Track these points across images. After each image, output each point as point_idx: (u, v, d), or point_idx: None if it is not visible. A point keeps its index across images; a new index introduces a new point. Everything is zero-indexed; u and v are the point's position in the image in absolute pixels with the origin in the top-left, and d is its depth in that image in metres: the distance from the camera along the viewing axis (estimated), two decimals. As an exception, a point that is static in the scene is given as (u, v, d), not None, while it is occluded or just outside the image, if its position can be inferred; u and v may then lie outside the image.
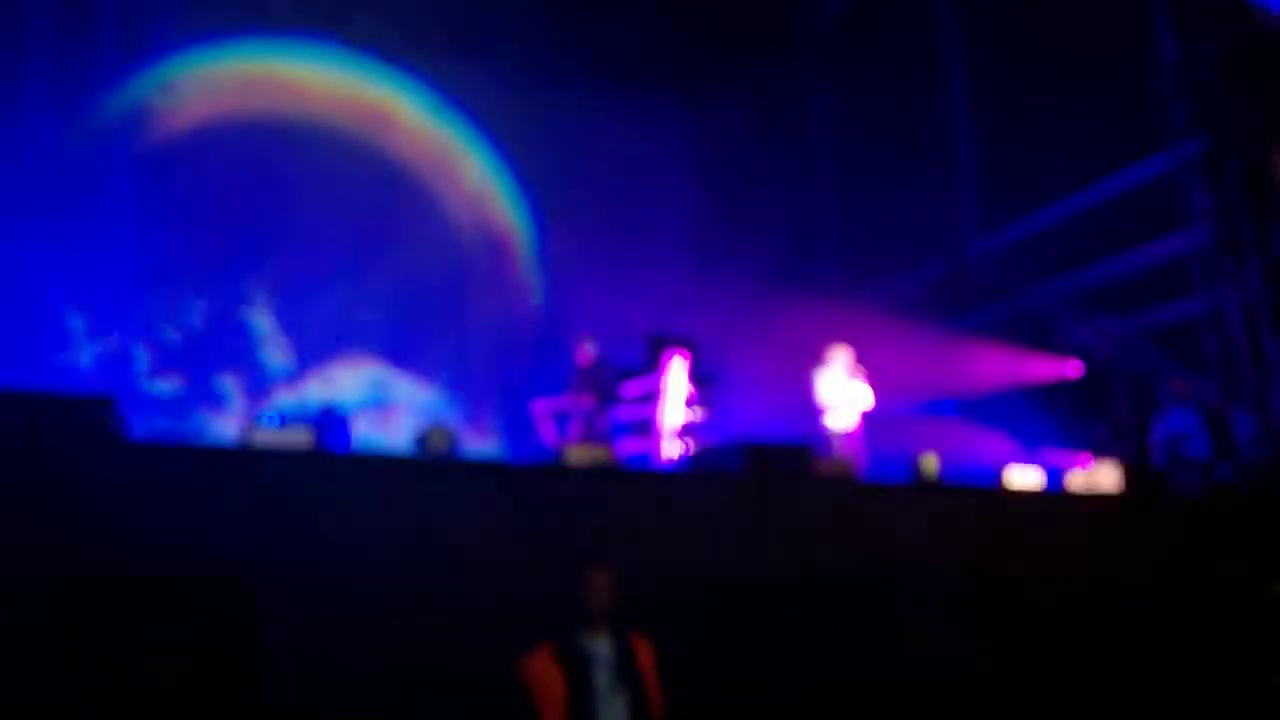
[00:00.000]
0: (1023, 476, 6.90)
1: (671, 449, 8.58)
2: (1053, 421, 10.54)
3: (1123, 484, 7.12)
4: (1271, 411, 8.69)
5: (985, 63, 11.58)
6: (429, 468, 5.18)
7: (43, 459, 4.17)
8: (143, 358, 10.22)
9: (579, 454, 5.52)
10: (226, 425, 9.61)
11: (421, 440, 5.33)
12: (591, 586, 3.61)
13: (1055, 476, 7.28)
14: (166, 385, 10.22)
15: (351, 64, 11.82)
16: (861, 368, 8.60)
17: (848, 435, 8.42)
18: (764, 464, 5.74)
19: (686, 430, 8.80)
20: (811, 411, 8.48)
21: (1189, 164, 9.35)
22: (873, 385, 8.70)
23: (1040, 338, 10.80)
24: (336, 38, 11.64)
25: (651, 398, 8.80)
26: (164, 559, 4.11)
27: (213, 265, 10.70)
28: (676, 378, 8.71)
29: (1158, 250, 9.69)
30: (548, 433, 8.79)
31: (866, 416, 8.64)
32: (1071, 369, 10.73)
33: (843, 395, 8.47)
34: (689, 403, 8.92)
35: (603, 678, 3.54)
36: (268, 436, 4.94)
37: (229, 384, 10.45)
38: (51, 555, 4.00)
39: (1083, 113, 9.98)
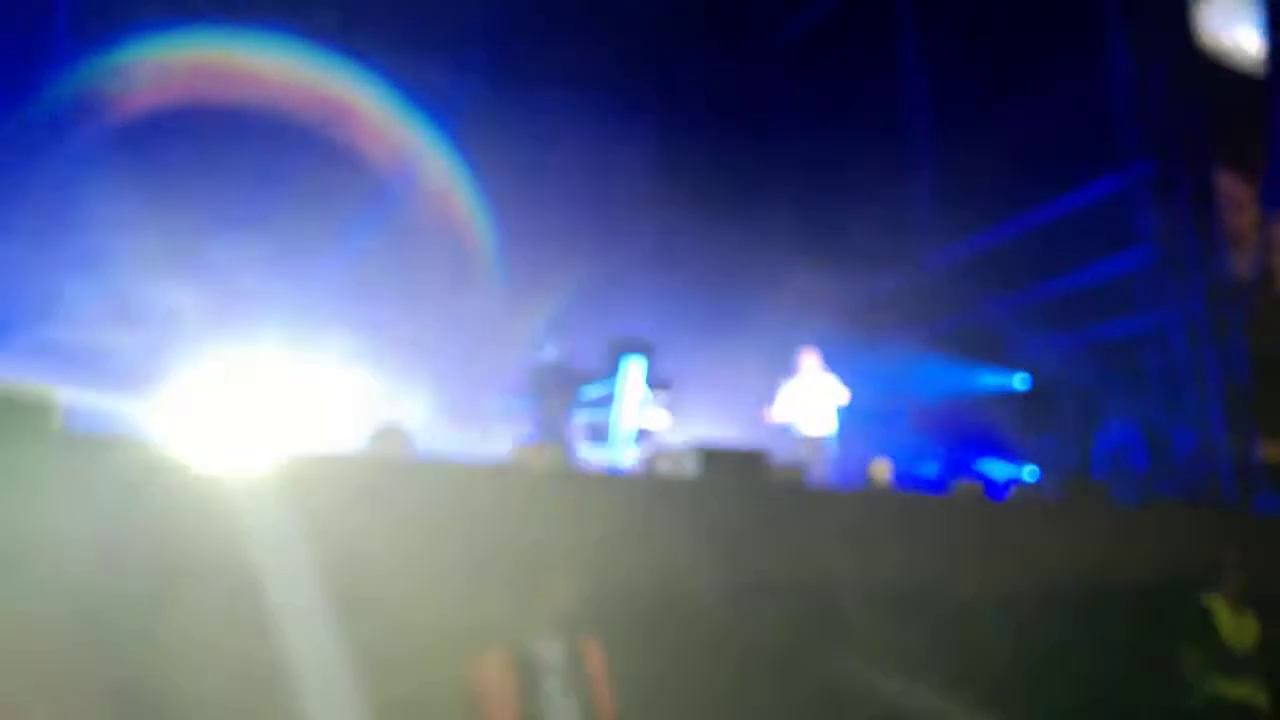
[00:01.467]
0: (970, 484, 7.04)
1: (626, 453, 8.61)
2: (1001, 432, 10.73)
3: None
4: (1210, 426, 8.92)
5: (944, 80, 11.77)
6: (382, 468, 5.14)
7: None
8: (85, 347, 10.01)
9: (534, 456, 5.52)
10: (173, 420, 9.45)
11: (375, 440, 5.30)
12: (553, 592, 3.63)
13: (1002, 486, 7.44)
14: (109, 378, 10.02)
15: (313, 56, 11.70)
16: (829, 369, 8.69)
17: (825, 437, 8.49)
18: (718, 468, 5.78)
19: (642, 434, 8.84)
20: (779, 418, 8.55)
21: (1138, 184, 9.57)
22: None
23: (991, 350, 10.98)
24: (298, 29, 11.52)
25: (608, 401, 8.82)
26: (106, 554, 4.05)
27: (160, 255, 10.52)
28: (634, 382, 8.74)
29: (1106, 268, 9.89)
30: (503, 434, 8.79)
31: (842, 412, 8.71)
32: (1020, 382, 10.93)
33: (816, 398, 8.55)
34: (645, 406, 8.96)
35: (554, 684, 3.53)
36: (215, 430, 4.88)
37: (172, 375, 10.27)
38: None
39: (1037, 132, 10.17)
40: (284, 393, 9.91)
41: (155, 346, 9.42)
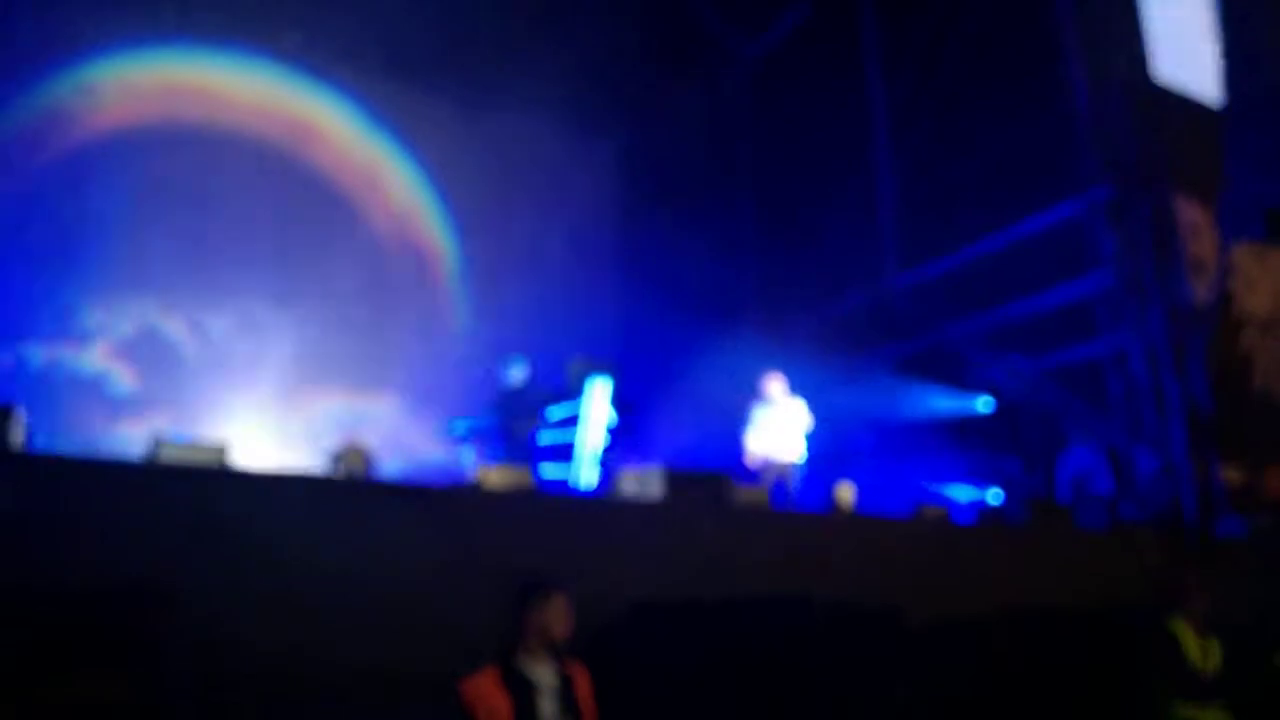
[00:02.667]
0: (934, 508, 7.05)
1: (590, 474, 8.55)
2: (965, 455, 10.78)
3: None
4: (1172, 450, 9.01)
5: (907, 104, 11.89)
6: (343, 487, 5.07)
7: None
8: (51, 366, 9.83)
9: (497, 476, 5.46)
10: (136, 439, 9.30)
11: (337, 459, 5.23)
12: (550, 611, 3.56)
13: (966, 509, 7.45)
14: (74, 396, 9.84)
15: (279, 76, 11.64)
16: (796, 393, 8.69)
17: (792, 463, 8.48)
18: (681, 491, 5.75)
19: (606, 455, 8.78)
20: (756, 448, 8.54)
21: (1096, 209, 9.69)
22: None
23: (954, 373, 11.04)
24: (265, 49, 11.46)
25: (573, 422, 8.76)
26: (69, 576, 3.95)
27: (125, 274, 10.38)
28: (598, 403, 8.69)
29: (1067, 292, 9.99)
30: (466, 453, 8.70)
31: (810, 438, 8.72)
32: (983, 405, 10.99)
33: (783, 423, 8.55)
34: (609, 428, 8.91)
35: (548, 705, 3.47)
36: (175, 452, 4.79)
37: (139, 395, 10.11)
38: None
39: (999, 156, 10.30)
40: (248, 412, 9.80)
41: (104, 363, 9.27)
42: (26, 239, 9.89)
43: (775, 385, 8.68)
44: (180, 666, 4.05)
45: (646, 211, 13.32)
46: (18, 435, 4.35)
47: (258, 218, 10.94)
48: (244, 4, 11.07)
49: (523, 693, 3.45)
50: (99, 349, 10.04)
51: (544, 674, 3.53)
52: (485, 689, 3.43)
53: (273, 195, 11.17)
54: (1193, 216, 9.65)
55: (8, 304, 9.69)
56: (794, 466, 8.47)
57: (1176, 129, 9.96)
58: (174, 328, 10.47)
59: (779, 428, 8.57)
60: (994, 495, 10.20)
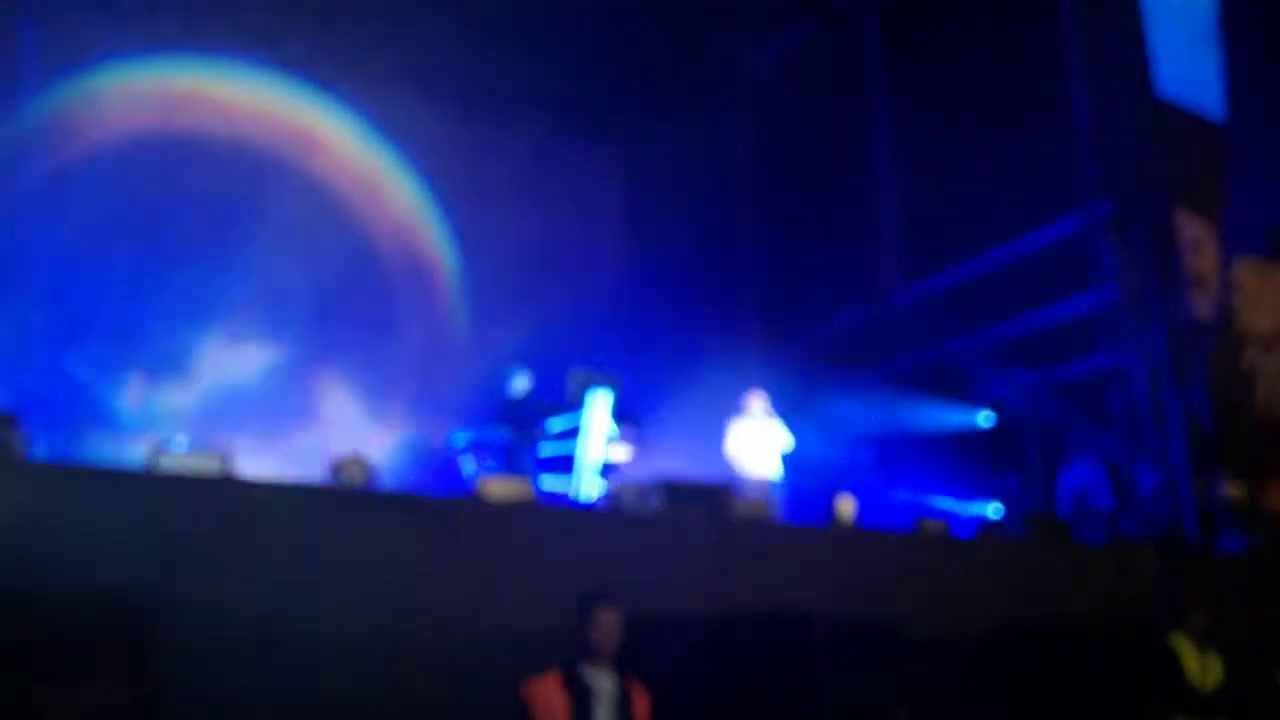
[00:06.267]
0: (934, 522, 7.04)
1: (591, 486, 8.54)
2: (965, 470, 10.76)
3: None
4: (1172, 466, 8.99)
5: (911, 117, 11.91)
6: (343, 498, 5.08)
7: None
8: (51, 374, 9.83)
9: (498, 488, 5.47)
10: (134, 449, 9.29)
11: (337, 470, 5.24)
12: (599, 624, 3.72)
13: (966, 524, 7.44)
14: (74, 405, 9.83)
15: (281, 85, 11.67)
16: (776, 412, 8.75)
17: (769, 480, 8.51)
18: (682, 504, 5.76)
19: (607, 468, 8.78)
20: (728, 457, 8.59)
21: (1098, 225, 9.69)
22: (790, 430, 8.83)
23: (955, 388, 11.03)
24: (267, 58, 11.49)
25: (573, 434, 8.76)
26: (70, 585, 3.95)
27: (125, 283, 10.40)
28: (599, 415, 8.69)
29: (1068, 307, 9.98)
30: (467, 465, 8.69)
31: (787, 459, 8.76)
32: (984, 419, 10.98)
33: (760, 441, 8.59)
34: (610, 440, 8.91)
35: (604, 713, 3.65)
36: (175, 462, 4.80)
37: (135, 404, 10.09)
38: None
39: (1001, 171, 10.30)
40: (249, 421, 9.79)
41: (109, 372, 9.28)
42: (21, 244, 9.91)
43: (757, 402, 8.76)
44: (178, 674, 4.05)
45: (648, 223, 13.34)
46: (18, 443, 4.36)
47: (258, 227, 10.96)
48: (246, 13, 11.11)
49: (582, 699, 3.63)
50: (100, 358, 10.03)
51: (604, 684, 3.71)
52: (547, 691, 3.62)
53: (274, 204, 11.18)
54: (1195, 232, 9.65)
55: (10, 314, 9.70)
56: (770, 484, 8.51)
57: (1179, 144, 9.97)
58: (175, 337, 10.46)
59: (756, 444, 8.61)
60: (994, 510, 10.18)
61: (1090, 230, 9.76)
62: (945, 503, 10.27)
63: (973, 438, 10.96)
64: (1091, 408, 9.85)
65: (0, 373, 9.27)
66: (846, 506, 6.79)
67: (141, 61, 10.90)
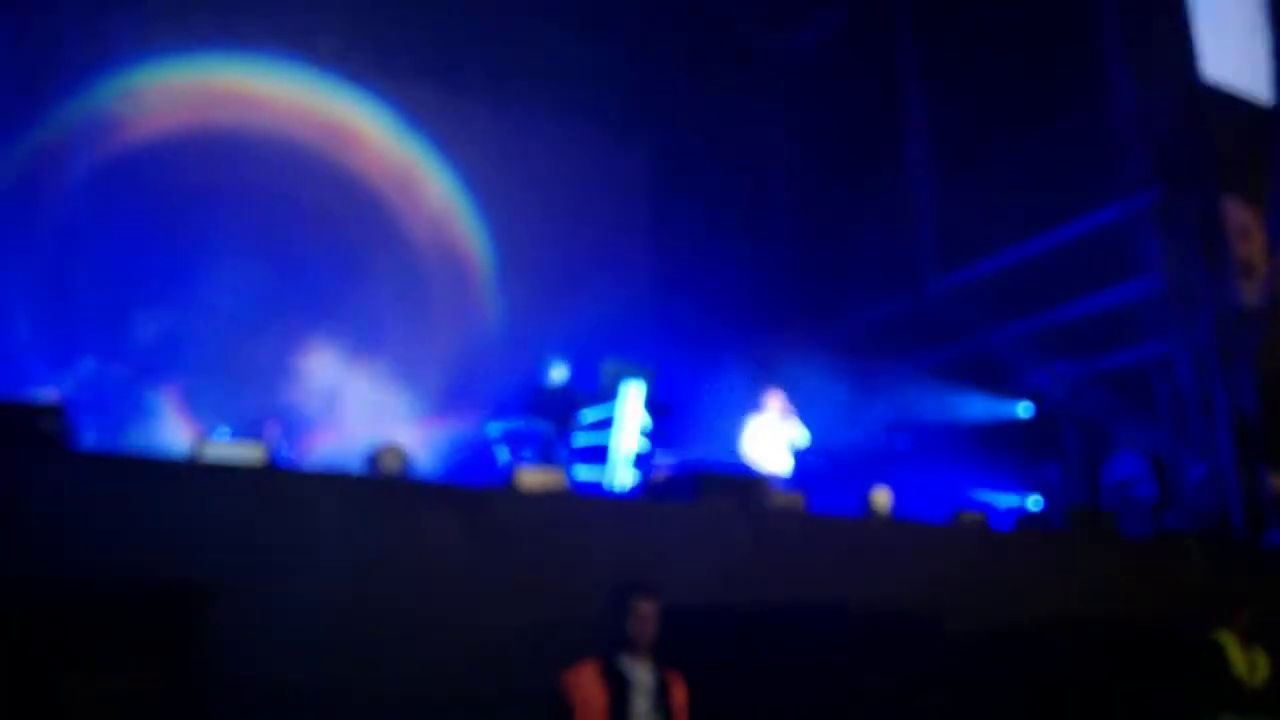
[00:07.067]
0: (973, 514, 6.95)
1: (625, 477, 8.54)
2: (1004, 461, 10.63)
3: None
4: (1218, 457, 8.82)
5: (946, 104, 11.76)
6: (380, 487, 5.09)
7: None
8: (90, 368, 9.98)
9: (533, 478, 5.46)
10: (177, 439, 9.40)
11: (373, 459, 5.25)
12: (638, 614, 3.72)
13: (1006, 515, 7.34)
14: (117, 398, 9.97)
15: (316, 81, 11.76)
16: (795, 409, 8.76)
17: (782, 476, 8.50)
18: (715, 493, 5.72)
19: (640, 458, 8.78)
20: (744, 452, 8.62)
21: (1144, 212, 9.52)
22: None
23: (995, 378, 10.90)
24: (302, 54, 11.59)
25: (606, 424, 8.76)
26: (109, 573, 4.00)
27: (165, 277, 10.52)
28: (632, 405, 8.68)
29: (1112, 296, 9.82)
30: (501, 455, 8.72)
31: (803, 455, 8.77)
32: (1024, 410, 10.84)
33: (775, 438, 8.61)
34: (643, 431, 8.91)
35: (642, 703, 3.65)
36: (218, 452, 4.84)
37: (177, 397, 10.22)
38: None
39: (1042, 157, 10.15)
40: (286, 411, 9.88)
41: (153, 365, 9.40)
42: (63, 240, 10.06)
43: (774, 401, 8.76)
44: (216, 663, 4.09)
45: (681, 214, 13.29)
46: (65, 433, 4.42)
47: (294, 223, 11.06)
48: (280, 10, 11.21)
49: (619, 688, 3.63)
50: (140, 350, 10.17)
51: (642, 674, 3.71)
52: (584, 680, 3.62)
53: (309, 200, 11.28)
54: (1242, 218, 9.44)
55: (57, 309, 9.86)
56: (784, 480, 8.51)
57: (1225, 129, 9.75)
58: (212, 329, 10.57)
59: (769, 441, 8.62)
60: (1034, 501, 10.05)
61: (1134, 217, 9.59)
62: (983, 494, 10.16)
63: (1012, 428, 10.83)
64: (1135, 398, 9.69)
65: (48, 364, 9.43)
66: (882, 497, 6.72)
67: (177, 59, 11.03)
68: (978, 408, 10.98)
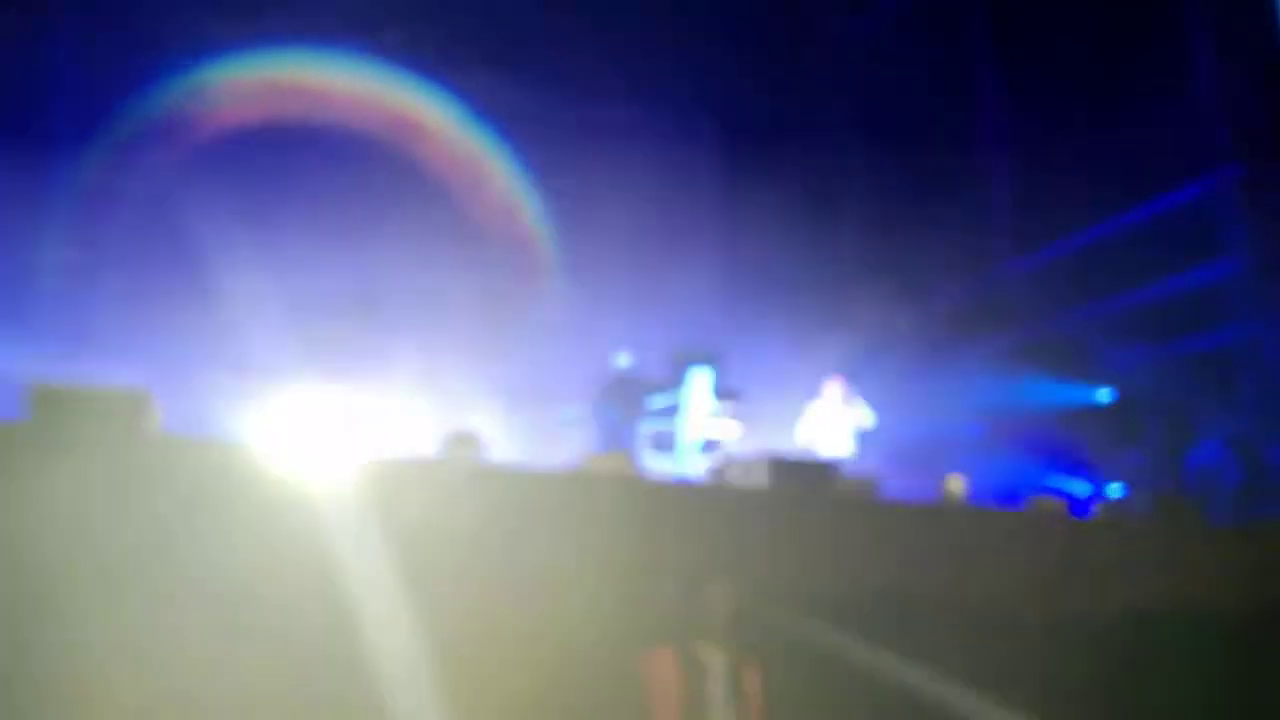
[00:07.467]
0: (1051, 501, 6.81)
1: (693, 463, 8.54)
2: (1082, 448, 10.41)
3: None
4: (1308, 444, 8.54)
5: (1021, 82, 11.51)
6: (455, 472, 5.14)
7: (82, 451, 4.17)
8: (184, 353, 10.21)
9: (603, 463, 5.48)
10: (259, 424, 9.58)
11: (448, 445, 5.31)
12: (712, 601, 3.82)
13: (1085, 503, 7.19)
14: (200, 381, 10.19)
15: (382, 74, 11.90)
16: (857, 394, 8.64)
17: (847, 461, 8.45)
18: (787, 479, 5.68)
19: (708, 444, 8.78)
20: (801, 440, 8.59)
21: (1226, 189, 9.24)
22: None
23: (1073, 362, 10.68)
24: (367, 48, 11.74)
25: (674, 411, 8.77)
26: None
27: (237, 269, 10.73)
28: (699, 392, 8.68)
29: (1193, 276, 9.56)
30: (572, 443, 8.77)
31: (866, 437, 8.70)
32: (1103, 395, 10.60)
33: (836, 423, 8.55)
34: (712, 417, 8.90)
35: (717, 690, 3.72)
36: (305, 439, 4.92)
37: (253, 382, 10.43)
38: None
39: (1120, 134, 9.89)
40: (363, 401, 10.02)
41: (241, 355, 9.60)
42: (142, 232, 10.32)
43: (834, 388, 8.78)
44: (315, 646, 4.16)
45: (747, 199, 13.18)
46: (153, 418, 4.51)
47: (362, 215, 11.22)
48: (346, 4, 11.36)
49: (694, 675, 3.71)
50: (221, 336, 10.38)
51: (716, 661, 3.78)
52: (660, 667, 3.72)
53: (376, 192, 11.44)
54: (1331, 193, 9.11)
55: (137, 295, 10.11)
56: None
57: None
58: (280, 319, 10.73)
59: (828, 425, 8.64)
60: (1114, 489, 9.82)
61: (1217, 196, 9.30)
62: (1062, 481, 9.95)
63: (1091, 414, 10.59)
64: (1219, 383, 9.41)
65: (134, 349, 9.67)
66: (957, 484, 6.63)
67: (247, 54, 11.24)
68: (1054, 393, 10.75)
